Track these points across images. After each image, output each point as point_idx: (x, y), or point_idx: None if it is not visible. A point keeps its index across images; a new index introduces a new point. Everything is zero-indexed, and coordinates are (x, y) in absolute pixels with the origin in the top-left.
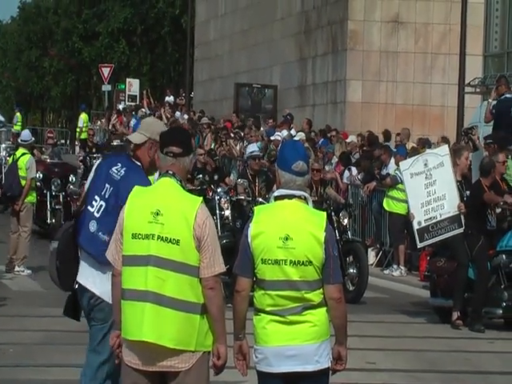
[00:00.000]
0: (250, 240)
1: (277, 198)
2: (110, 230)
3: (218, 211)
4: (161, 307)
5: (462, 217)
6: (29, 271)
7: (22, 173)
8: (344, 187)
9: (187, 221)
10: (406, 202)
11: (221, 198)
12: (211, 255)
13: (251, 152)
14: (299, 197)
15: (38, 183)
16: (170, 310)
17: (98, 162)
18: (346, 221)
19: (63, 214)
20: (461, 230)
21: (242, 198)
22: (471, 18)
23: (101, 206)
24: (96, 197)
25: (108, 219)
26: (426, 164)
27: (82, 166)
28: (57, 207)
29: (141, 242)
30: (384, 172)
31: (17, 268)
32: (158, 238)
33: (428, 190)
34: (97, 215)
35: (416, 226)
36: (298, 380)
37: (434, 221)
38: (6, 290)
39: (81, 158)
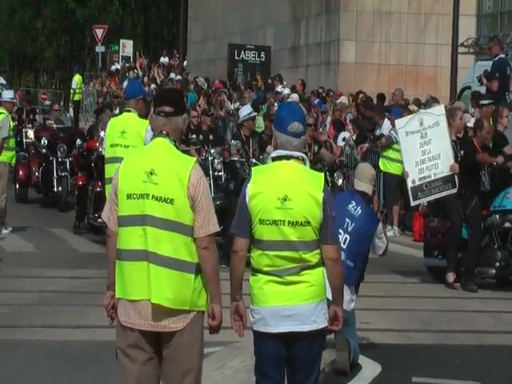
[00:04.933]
0: (247, 200)
1: (274, 159)
2: (355, 257)
3: (211, 172)
4: (158, 266)
5: (456, 177)
6: (5, 231)
7: None
8: (338, 150)
9: (181, 180)
10: (402, 162)
11: (214, 158)
12: (205, 214)
13: (249, 113)
14: (297, 157)
15: (44, 150)
16: (166, 269)
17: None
18: (340, 181)
19: (69, 181)
20: (454, 190)
21: (236, 159)
22: None
23: (346, 238)
24: (340, 230)
25: (353, 249)
26: (421, 123)
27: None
28: (63, 174)
29: (136, 201)
30: (378, 132)
31: None
32: (152, 198)
33: (423, 148)
34: (343, 246)
35: (410, 184)
36: (294, 340)
37: (427, 180)
38: (1, 251)
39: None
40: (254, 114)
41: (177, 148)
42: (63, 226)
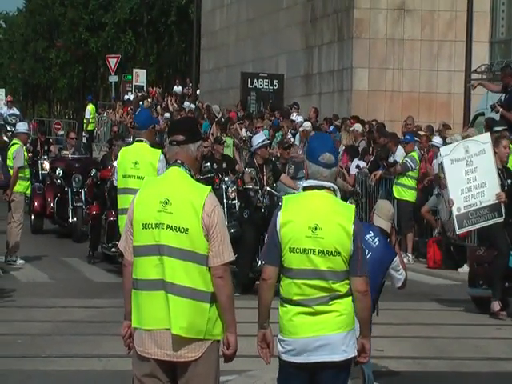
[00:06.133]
0: (278, 228)
1: (306, 189)
2: (369, 286)
3: (224, 200)
4: (175, 296)
5: (503, 206)
6: (21, 261)
7: (10, 163)
8: (352, 179)
9: (195, 210)
10: (416, 189)
11: (228, 187)
12: (220, 244)
13: (262, 141)
14: (328, 188)
15: (58, 180)
16: (182, 298)
17: None
18: None
19: (84, 212)
20: (501, 219)
21: (250, 187)
22: (477, 5)
23: None
24: None
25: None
26: (467, 151)
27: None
28: (78, 205)
29: (151, 231)
30: (391, 160)
31: (9, 258)
32: (167, 227)
33: (468, 176)
34: None
35: (455, 212)
36: (322, 369)
37: (473, 208)
38: (15, 281)
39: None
40: (267, 142)
41: (192, 177)
42: (77, 256)
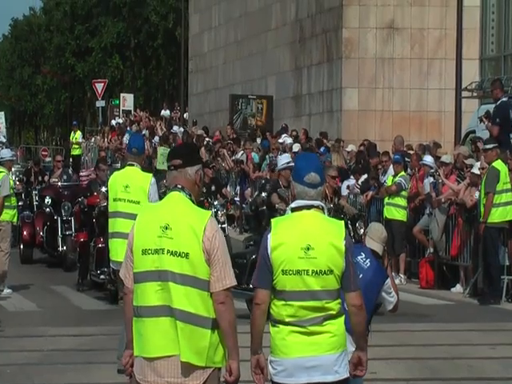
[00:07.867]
0: (269, 252)
1: (294, 210)
2: None
3: None
4: (180, 322)
5: None
6: (9, 290)
7: None
8: (344, 200)
9: (196, 234)
10: (406, 208)
11: (217, 210)
12: (221, 268)
13: (287, 163)
14: (317, 207)
15: (47, 209)
16: (182, 323)
17: None
18: (362, 231)
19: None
20: None
21: (281, 207)
22: (467, 22)
23: None
24: None
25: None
26: None
27: None
28: (67, 233)
29: (151, 257)
30: (383, 179)
31: None
32: (167, 252)
33: None
34: None
35: None
36: None
37: None
38: (3, 310)
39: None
40: (293, 164)
41: (192, 201)
42: (65, 284)
